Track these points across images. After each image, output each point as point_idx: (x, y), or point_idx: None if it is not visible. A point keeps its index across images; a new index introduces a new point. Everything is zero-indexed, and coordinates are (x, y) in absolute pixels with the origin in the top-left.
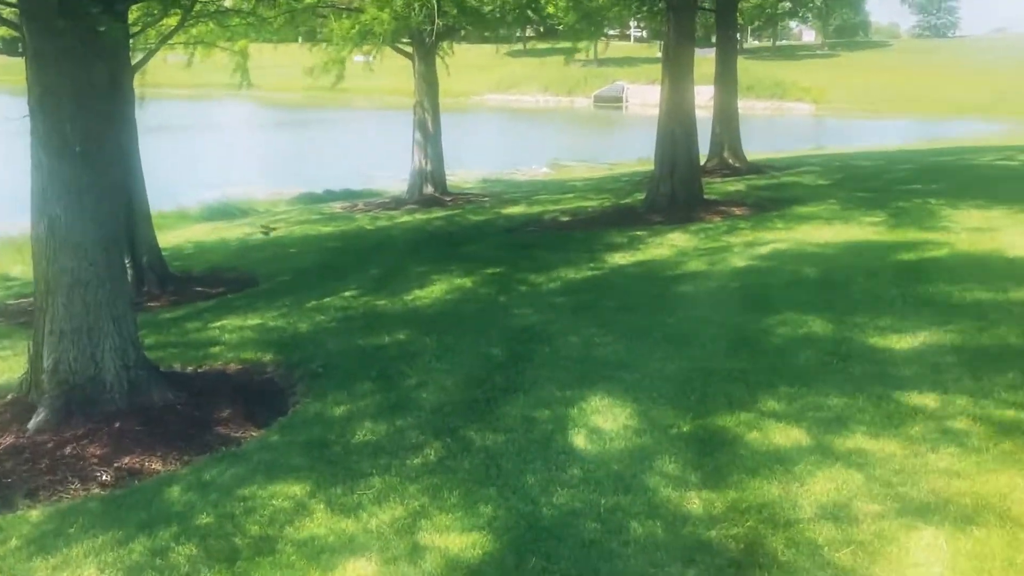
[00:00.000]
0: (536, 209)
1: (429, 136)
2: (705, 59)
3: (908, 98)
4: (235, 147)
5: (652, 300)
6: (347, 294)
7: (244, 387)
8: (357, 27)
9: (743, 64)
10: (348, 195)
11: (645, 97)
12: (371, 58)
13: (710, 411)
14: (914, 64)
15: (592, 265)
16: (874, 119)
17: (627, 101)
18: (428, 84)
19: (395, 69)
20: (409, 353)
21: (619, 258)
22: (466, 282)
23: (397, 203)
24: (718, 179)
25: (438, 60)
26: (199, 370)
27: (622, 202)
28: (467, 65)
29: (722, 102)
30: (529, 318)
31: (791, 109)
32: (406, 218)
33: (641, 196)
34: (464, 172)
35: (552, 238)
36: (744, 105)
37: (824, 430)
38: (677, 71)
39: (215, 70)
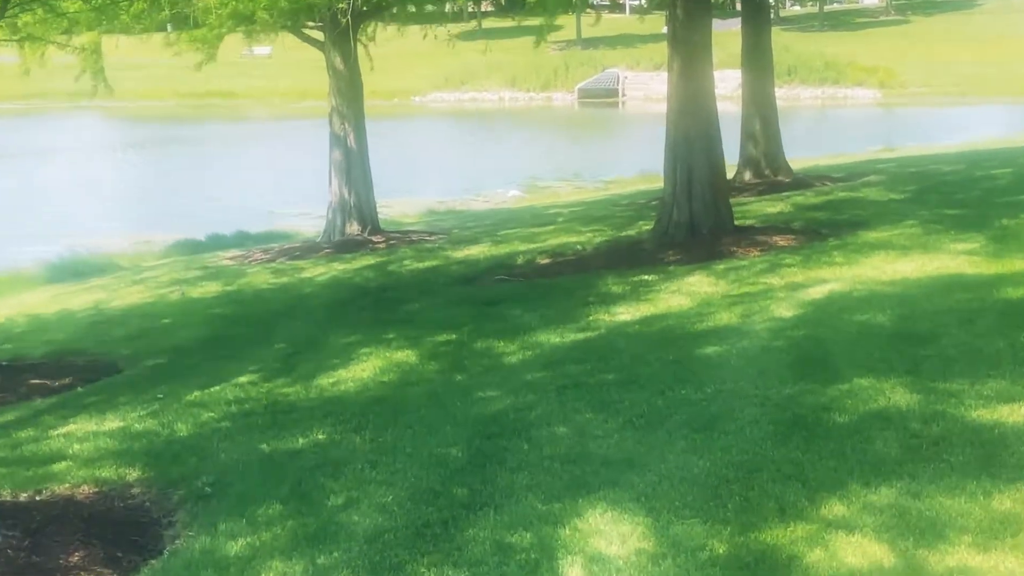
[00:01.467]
0: (504, 249)
1: (351, 155)
2: (728, 34)
3: (1006, 77)
4: (87, 179)
5: (668, 370)
6: (243, 380)
7: (101, 518)
8: (231, 4)
9: (781, 38)
10: (242, 240)
11: (648, 88)
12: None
13: (755, 523)
14: (1013, 31)
15: (583, 325)
16: (961, 105)
17: (623, 94)
18: (347, 83)
19: (304, 65)
20: (332, 460)
21: (620, 313)
22: (409, 356)
23: (310, 249)
24: (752, 197)
25: (360, 50)
26: (37, 497)
27: (622, 235)
28: (403, 55)
29: (754, 91)
30: (498, 403)
31: (849, 97)
32: (322, 269)
33: (648, 226)
34: (404, 203)
35: (527, 289)
36: (784, 95)
37: (914, 542)
38: (690, 51)
39: (60, 74)
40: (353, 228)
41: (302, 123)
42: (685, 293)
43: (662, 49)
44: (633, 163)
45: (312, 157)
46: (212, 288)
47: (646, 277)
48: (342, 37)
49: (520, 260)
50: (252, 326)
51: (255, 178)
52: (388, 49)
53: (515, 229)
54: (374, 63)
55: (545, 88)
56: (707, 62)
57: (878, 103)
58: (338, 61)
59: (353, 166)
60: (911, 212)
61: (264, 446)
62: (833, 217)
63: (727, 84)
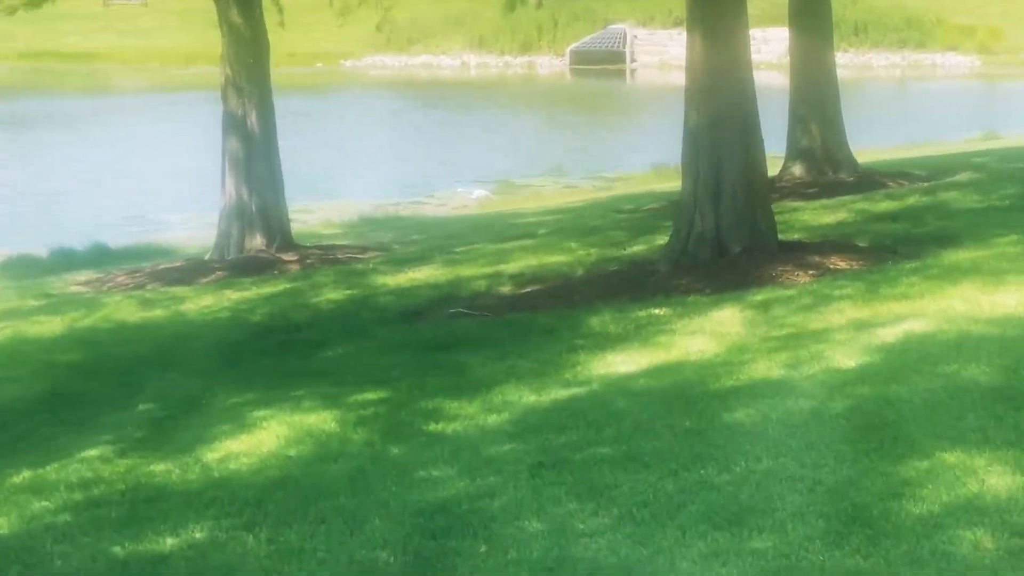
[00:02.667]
0: (462, 271)
1: (253, 143)
2: None
3: None
4: None
5: (683, 442)
6: (93, 454)
7: None
8: None
9: None
10: (100, 258)
11: (665, 51)
12: None
13: None
14: None
15: (568, 378)
16: None
17: (632, 59)
18: (247, 45)
19: (191, 17)
20: (214, 569)
21: (620, 362)
22: (326, 421)
23: (194, 270)
24: (803, 202)
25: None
26: None
27: (624, 253)
28: (327, 6)
29: (806, 58)
30: (448, 487)
31: (938, 66)
32: (209, 300)
33: (660, 240)
34: (327, 207)
35: (492, 328)
36: (849, 62)
37: None
38: (715, 3)
39: None
40: (255, 242)
41: (186, 97)
42: (709, 334)
43: (682, 1)
44: (643, 154)
45: (200, 144)
46: (54, 325)
47: (656, 311)
48: None
49: (483, 287)
50: (109, 378)
51: (119, 172)
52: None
53: (478, 244)
54: (286, 17)
55: (525, 50)
56: (741, 18)
57: (977, 74)
58: (235, 14)
59: (256, 157)
60: (1016, 224)
61: (118, 549)
62: (911, 230)
63: (770, 47)
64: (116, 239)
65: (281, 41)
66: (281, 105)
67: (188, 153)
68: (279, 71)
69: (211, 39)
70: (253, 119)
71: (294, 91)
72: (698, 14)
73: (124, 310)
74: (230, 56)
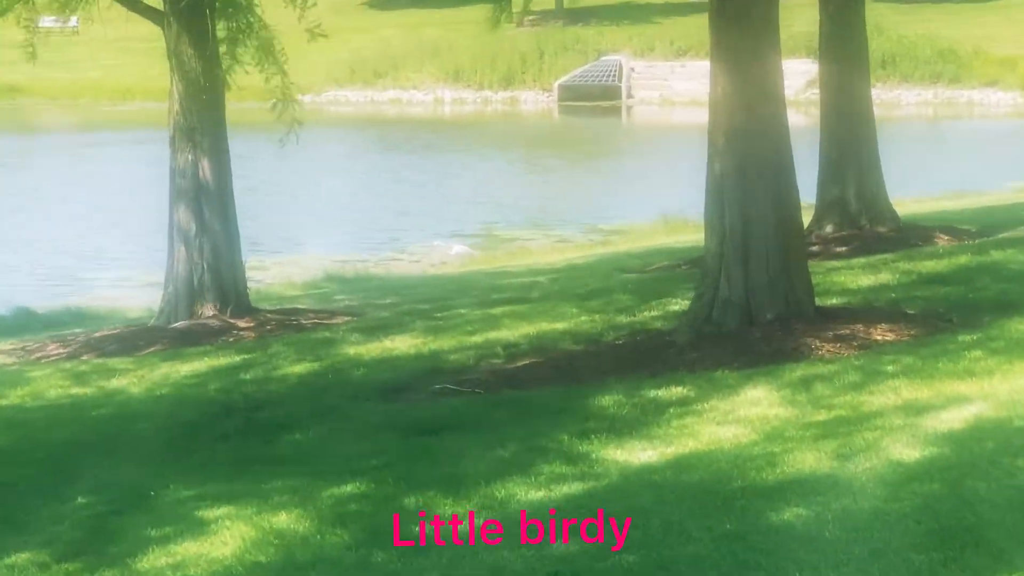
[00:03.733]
0: (447, 341)
1: (205, 193)
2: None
3: None
4: None
5: (723, 547)
6: (24, 557)
7: None
8: None
9: (871, 13)
10: (24, 323)
11: (666, 86)
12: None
13: None
14: None
15: (580, 469)
16: None
17: (628, 95)
18: (200, 82)
19: (130, 45)
20: None
21: (639, 449)
22: (296, 521)
23: (136, 338)
24: (838, 261)
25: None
26: None
27: (636, 319)
28: (288, 32)
29: (838, 94)
30: None
31: (976, 103)
32: (155, 372)
33: (677, 305)
34: (288, 263)
35: (485, 408)
36: (877, 97)
37: None
38: (747, 33)
39: None
40: (207, 307)
41: (121, 137)
42: (742, 417)
43: (687, 26)
44: (644, 203)
45: (141, 190)
46: None
47: (678, 390)
48: (193, 6)
49: (471, 359)
50: (40, 467)
51: (47, 224)
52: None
53: (463, 308)
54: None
55: (508, 84)
56: (774, 46)
57: (1022, 112)
58: (185, 45)
59: (209, 209)
60: None
61: None
62: (965, 294)
63: (788, 82)
64: (43, 301)
65: (228, 74)
66: (236, 147)
67: (127, 201)
68: (232, 107)
69: (150, 72)
70: (206, 167)
71: (248, 130)
72: (724, 42)
73: (55, 385)
74: (180, 94)
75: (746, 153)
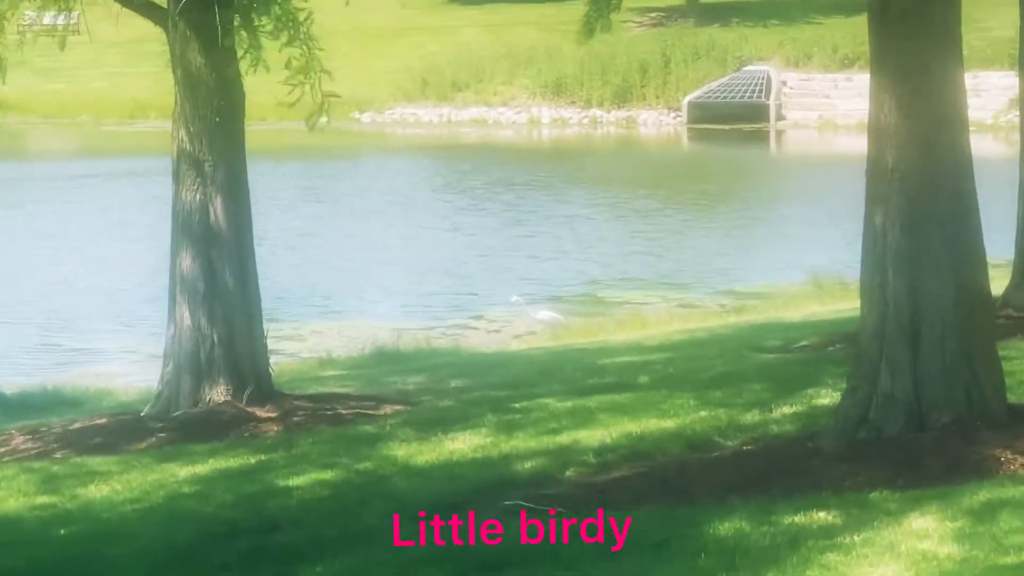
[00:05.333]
0: (523, 442)
1: (218, 240)
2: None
3: None
4: None
5: None
6: None
7: None
8: None
9: None
10: None
11: (827, 104)
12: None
13: None
14: None
15: None
16: None
17: (778, 115)
18: (212, 98)
19: (145, 50)
20: None
21: None
22: None
23: (124, 432)
24: None
25: (238, 34)
26: None
27: (769, 418)
28: (336, 35)
29: None
30: None
31: None
32: (145, 477)
33: (823, 400)
34: (327, 331)
35: (567, 535)
36: None
37: None
38: (915, 34)
39: None
40: (217, 391)
41: (126, 167)
42: (903, 557)
43: (855, 29)
44: (797, 260)
45: (149, 236)
46: None
47: (819, 516)
48: (202, 4)
49: (552, 467)
50: None
51: (25, 278)
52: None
53: (549, 397)
54: (269, 53)
55: (623, 101)
56: (956, 56)
57: None
58: (194, 53)
59: (221, 263)
60: None
61: None
62: None
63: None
64: (15, 378)
65: (261, 85)
66: (261, 178)
67: (131, 249)
68: (258, 128)
69: (168, 82)
70: (218, 208)
71: (278, 156)
72: (888, 50)
73: (17, 492)
74: (187, 114)
75: (916, 198)
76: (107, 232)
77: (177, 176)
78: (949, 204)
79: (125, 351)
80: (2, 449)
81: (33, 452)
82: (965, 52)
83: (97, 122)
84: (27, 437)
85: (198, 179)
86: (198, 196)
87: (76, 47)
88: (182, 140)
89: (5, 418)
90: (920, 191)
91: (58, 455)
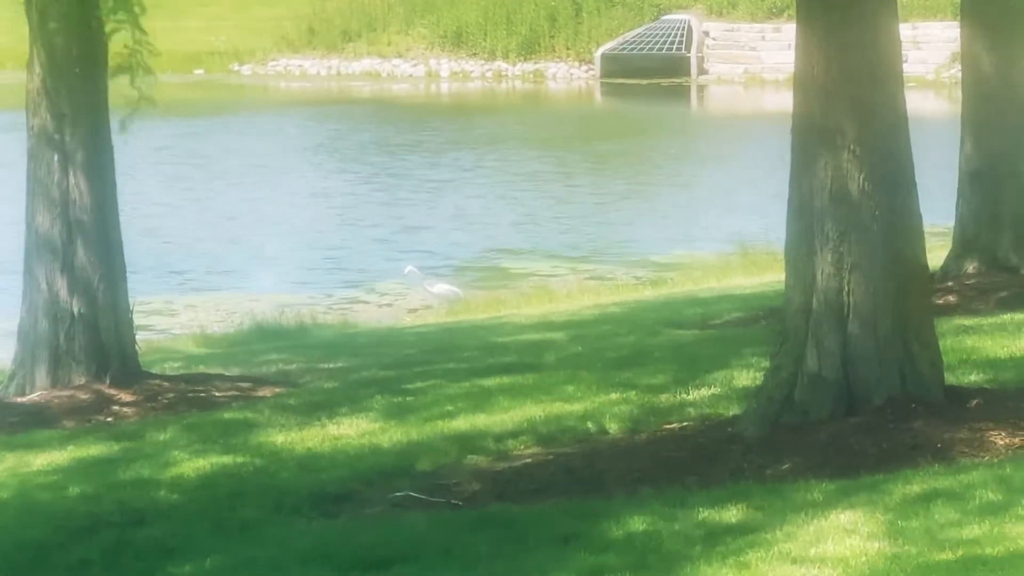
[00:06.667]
0: (417, 429)
1: (78, 207)
2: None
3: None
4: None
5: None
6: None
7: None
8: None
9: None
10: None
11: (753, 57)
12: None
13: None
14: None
15: None
16: None
17: (700, 68)
18: (71, 44)
19: None
20: None
21: None
22: None
23: None
24: (977, 318)
25: None
26: None
27: (687, 400)
28: None
29: (987, 77)
30: None
31: None
32: (1, 468)
33: (745, 381)
34: (201, 304)
35: (464, 531)
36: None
37: None
38: None
39: None
40: (75, 372)
41: None
42: (827, 557)
43: None
44: (719, 227)
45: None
46: None
47: (737, 510)
48: None
49: (449, 455)
50: None
51: None
52: None
53: (443, 378)
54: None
55: (530, 53)
56: (887, 9)
57: None
58: None
59: (82, 231)
60: None
61: None
62: None
63: (922, 54)
64: None
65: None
66: (129, 136)
67: None
68: (119, 80)
69: (23, 30)
70: (79, 168)
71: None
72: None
73: None
74: (42, 61)
75: (846, 161)
76: None
77: (33, 130)
78: (882, 167)
79: None
80: None
81: None
82: (904, 1)
83: None
84: None
85: (55, 135)
86: (56, 155)
87: None
88: (37, 93)
89: None
90: (850, 153)
91: None
